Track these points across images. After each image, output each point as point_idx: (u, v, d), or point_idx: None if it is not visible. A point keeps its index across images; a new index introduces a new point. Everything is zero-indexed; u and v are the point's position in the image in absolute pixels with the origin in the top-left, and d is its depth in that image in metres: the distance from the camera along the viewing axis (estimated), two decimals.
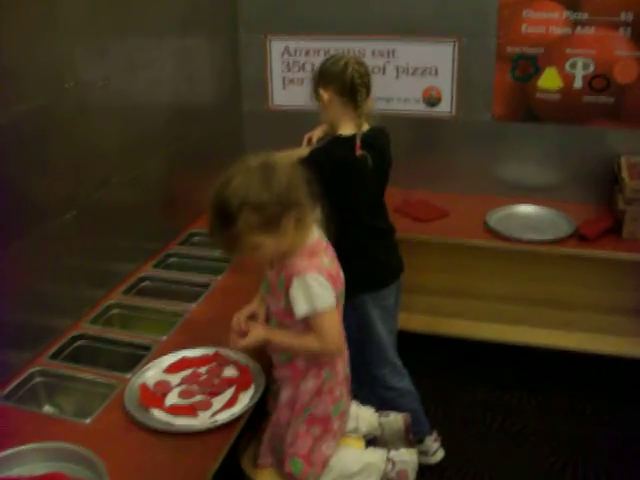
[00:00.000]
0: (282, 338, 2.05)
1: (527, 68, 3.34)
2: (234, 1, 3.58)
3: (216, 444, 1.91)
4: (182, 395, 2.08)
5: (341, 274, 2.07)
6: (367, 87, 2.52)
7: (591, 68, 3.26)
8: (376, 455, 2.18)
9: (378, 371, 2.77)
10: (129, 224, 2.78)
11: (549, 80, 3.34)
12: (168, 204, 3.07)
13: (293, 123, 3.34)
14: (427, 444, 2.89)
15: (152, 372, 2.18)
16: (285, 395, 2.11)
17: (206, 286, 2.73)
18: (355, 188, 2.52)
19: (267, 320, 2.12)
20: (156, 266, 2.92)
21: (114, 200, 2.64)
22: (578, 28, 3.22)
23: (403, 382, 2.79)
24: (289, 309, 1.97)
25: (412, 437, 2.33)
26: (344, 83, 2.48)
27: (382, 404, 2.49)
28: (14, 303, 2.18)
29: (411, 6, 3.38)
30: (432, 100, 3.53)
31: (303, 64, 3.61)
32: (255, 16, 3.62)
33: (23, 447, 1.85)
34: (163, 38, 2.96)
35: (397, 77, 3.54)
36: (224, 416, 1.99)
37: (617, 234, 3.14)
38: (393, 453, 2.20)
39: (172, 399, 2.06)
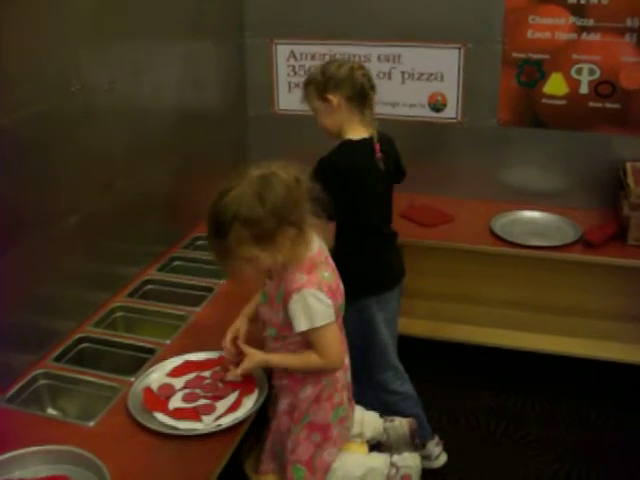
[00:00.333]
0: (282, 360, 2.05)
1: (533, 74, 3.34)
2: (240, 5, 3.59)
3: (219, 448, 1.91)
4: (186, 399, 2.07)
5: (341, 286, 2.05)
6: (375, 90, 2.53)
7: (597, 74, 3.26)
8: (379, 460, 2.17)
9: (380, 375, 2.76)
10: (134, 227, 2.78)
11: (555, 86, 3.33)
12: (173, 207, 3.07)
13: (299, 127, 3.35)
14: (429, 449, 2.88)
15: (156, 375, 2.18)
16: (284, 402, 2.10)
17: (210, 290, 2.74)
18: (368, 191, 2.52)
19: (262, 327, 2.10)
20: (160, 270, 2.92)
21: (119, 204, 2.65)
22: (584, 34, 3.22)
23: (405, 386, 2.79)
24: (287, 322, 1.96)
25: (417, 442, 2.33)
26: (354, 87, 2.48)
27: (384, 408, 2.48)
28: (18, 306, 2.19)
29: (417, 11, 3.38)
30: (438, 105, 3.53)
31: (309, 68, 3.60)
32: (261, 20, 3.62)
33: (26, 450, 1.85)
34: (169, 42, 2.96)
35: (403, 82, 3.54)
36: (228, 420, 1.99)
37: (622, 240, 3.13)
38: (396, 458, 2.18)
39: (176, 403, 2.06)
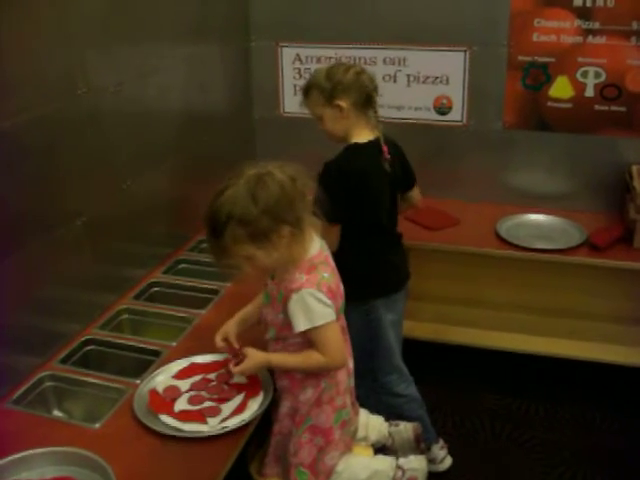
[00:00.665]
0: (283, 360, 2.05)
1: (538, 77, 3.34)
2: (246, 8, 3.60)
3: (225, 450, 1.91)
4: (191, 401, 2.08)
5: (341, 287, 2.05)
6: (377, 91, 2.54)
7: (602, 77, 3.25)
8: (385, 462, 2.17)
9: (385, 378, 2.76)
10: (139, 230, 2.79)
11: (560, 89, 3.33)
12: (178, 210, 3.08)
13: (304, 130, 3.33)
14: (434, 452, 2.87)
15: (161, 378, 2.19)
16: (285, 405, 2.10)
17: (216, 292, 2.74)
18: (376, 193, 2.53)
19: (265, 330, 2.10)
20: (166, 272, 2.92)
21: (125, 206, 2.65)
22: (590, 37, 3.21)
23: (409, 389, 2.79)
24: (287, 322, 1.96)
25: (423, 446, 2.32)
26: (361, 91, 2.48)
27: (389, 411, 2.48)
28: (24, 308, 2.19)
29: (423, 14, 3.38)
30: (443, 108, 3.53)
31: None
32: (266, 23, 3.63)
33: (32, 451, 1.85)
34: (175, 45, 2.97)
35: (408, 85, 3.54)
36: (233, 422, 1.99)
37: (628, 243, 3.12)
38: (402, 461, 2.18)
39: (181, 405, 2.06)
